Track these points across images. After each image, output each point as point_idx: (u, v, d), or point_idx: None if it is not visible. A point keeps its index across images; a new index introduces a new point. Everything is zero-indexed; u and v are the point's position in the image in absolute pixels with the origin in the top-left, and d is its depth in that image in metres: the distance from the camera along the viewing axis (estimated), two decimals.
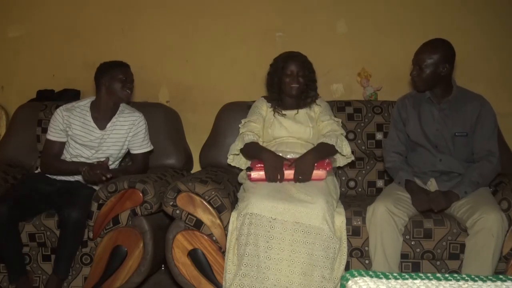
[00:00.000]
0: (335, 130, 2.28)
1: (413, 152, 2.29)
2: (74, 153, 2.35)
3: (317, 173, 2.11)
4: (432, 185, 2.21)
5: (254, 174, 2.10)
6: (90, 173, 2.19)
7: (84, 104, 2.39)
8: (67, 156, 2.38)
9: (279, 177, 2.08)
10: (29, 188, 2.25)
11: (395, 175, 2.24)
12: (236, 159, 2.38)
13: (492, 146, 2.17)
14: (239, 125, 2.39)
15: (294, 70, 2.29)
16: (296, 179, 2.07)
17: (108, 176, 2.18)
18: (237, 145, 2.27)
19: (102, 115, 2.36)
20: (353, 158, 2.34)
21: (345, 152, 2.27)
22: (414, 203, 2.08)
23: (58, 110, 2.38)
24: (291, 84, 2.28)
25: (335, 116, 2.45)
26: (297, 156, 2.19)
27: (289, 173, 2.09)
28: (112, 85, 2.33)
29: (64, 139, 2.37)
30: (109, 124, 2.37)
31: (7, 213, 2.07)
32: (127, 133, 2.40)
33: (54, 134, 2.35)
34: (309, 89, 2.37)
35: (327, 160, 2.17)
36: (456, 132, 2.18)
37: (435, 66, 2.13)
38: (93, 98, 2.41)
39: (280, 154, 2.20)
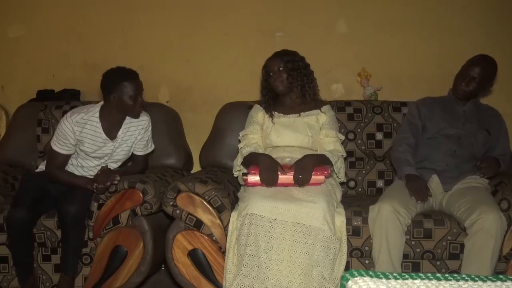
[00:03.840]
0: (338, 151, 2.24)
1: (429, 144, 2.33)
2: (84, 164, 2.31)
3: (316, 177, 2.06)
4: (434, 182, 2.23)
5: (251, 179, 2.06)
6: (100, 188, 2.14)
7: (93, 114, 2.24)
8: (73, 163, 2.33)
9: (273, 180, 2.03)
10: (39, 190, 2.23)
11: (398, 167, 2.26)
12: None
13: (507, 151, 2.33)
14: (239, 138, 2.37)
15: (274, 68, 2.27)
16: (296, 178, 2.03)
17: (118, 179, 2.14)
18: (238, 161, 2.27)
19: (112, 125, 2.27)
20: (344, 180, 2.34)
21: (340, 176, 2.25)
22: (412, 192, 2.11)
23: (67, 122, 2.20)
24: (274, 81, 2.27)
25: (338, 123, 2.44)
26: (295, 160, 2.18)
27: (288, 178, 2.05)
28: (122, 103, 2.19)
29: (72, 152, 2.28)
30: (120, 132, 2.29)
31: (26, 217, 2.08)
32: (135, 137, 2.35)
33: (62, 147, 2.23)
34: (303, 83, 2.29)
35: (326, 168, 2.11)
36: (482, 128, 2.28)
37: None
38: (101, 103, 2.29)
39: (280, 157, 2.19)
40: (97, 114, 2.25)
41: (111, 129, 2.27)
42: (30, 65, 3.17)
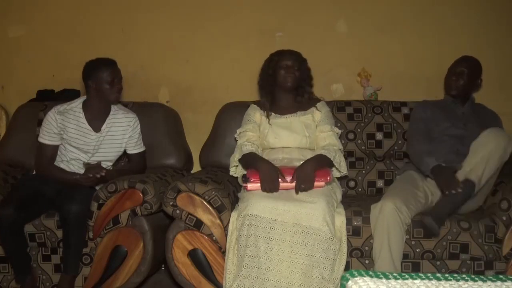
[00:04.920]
0: (333, 145, 2.24)
1: (433, 142, 2.35)
2: (72, 156, 2.33)
3: (317, 184, 2.06)
4: None
5: (250, 187, 2.06)
6: (84, 180, 2.18)
7: (76, 106, 2.32)
8: (64, 159, 2.34)
9: (275, 189, 2.01)
10: (32, 190, 2.24)
11: (420, 161, 2.24)
12: (238, 170, 2.32)
13: None
14: (235, 136, 2.36)
15: (289, 63, 2.28)
16: (298, 187, 2.01)
17: (102, 173, 2.16)
18: (236, 156, 2.26)
19: (95, 116, 2.32)
20: (347, 173, 2.33)
21: (342, 169, 2.25)
22: (442, 185, 2.10)
23: (50, 113, 2.31)
24: (286, 75, 2.27)
25: (335, 119, 2.49)
26: (294, 160, 2.18)
27: (289, 185, 2.04)
28: (100, 88, 2.26)
29: (57, 143, 2.32)
30: (104, 126, 2.33)
31: (14, 215, 2.07)
32: (123, 135, 2.38)
33: (47, 137, 2.30)
34: (305, 84, 2.35)
35: (327, 172, 2.11)
36: (482, 128, 2.28)
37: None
38: (84, 97, 2.36)
39: (278, 158, 2.20)
40: (80, 105, 2.33)
41: (94, 120, 2.32)
42: (30, 65, 3.17)
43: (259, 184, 2.04)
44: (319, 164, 2.12)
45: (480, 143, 2.09)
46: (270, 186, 2.02)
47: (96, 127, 2.32)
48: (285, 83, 2.29)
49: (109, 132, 2.34)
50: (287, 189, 2.05)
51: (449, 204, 2.06)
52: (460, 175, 2.07)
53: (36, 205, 2.21)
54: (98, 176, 2.17)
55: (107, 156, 2.37)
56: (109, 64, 2.28)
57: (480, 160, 2.05)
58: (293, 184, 2.03)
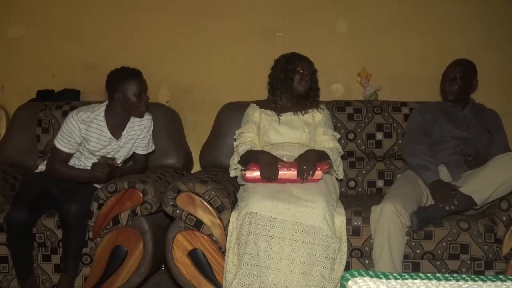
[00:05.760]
0: (337, 148, 2.30)
1: (436, 144, 2.35)
2: (88, 163, 2.31)
3: (316, 173, 2.06)
4: (442, 172, 2.24)
5: (249, 174, 2.06)
6: (97, 171, 2.18)
7: (99, 113, 2.26)
8: (77, 163, 2.33)
9: (274, 175, 2.03)
10: (40, 190, 2.23)
11: (420, 172, 2.22)
12: (238, 172, 2.32)
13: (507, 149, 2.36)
14: (234, 137, 2.38)
15: (306, 70, 2.33)
16: (301, 169, 2.02)
17: (118, 163, 2.17)
18: (234, 159, 2.27)
19: (117, 124, 2.29)
20: (342, 177, 2.36)
21: (339, 173, 2.30)
22: (437, 199, 2.07)
23: (73, 120, 2.21)
24: (301, 81, 2.32)
25: (336, 119, 2.54)
26: (294, 157, 2.19)
27: (290, 173, 2.05)
28: (127, 100, 2.22)
29: (74, 151, 2.28)
30: (124, 132, 2.31)
31: (26, 218, 2.08)
32: (138, 136, 2.37)
33: (67, 145, 2.23)
34: (313, 94, 2.40)
35: (327, 164, 2.13)
36: (484, 130, 2.33)
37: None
38: (106, 103, 2.31)
39: (278, 155, 2.20)
40: (103, 113, 2.27)
41: (116, 128, 2.29)
42: (30, 65, 3.17)
43: (257, 173, 2.05)
44: (320, 156, 2.16)
45: (500, 164, 2.02)
46: (269, 172, 2.03)
47: (117, 135, 2.30)
48: (298, 89, 2.33)
49: (128, 137, 2.34)
50: (286, 179, 2.04)
51: (440, 211, 2.06)
52: (465, 190, 2.04)
53: (43, 205, 2.22)
54: (117, 163, 2.17)
55: (120, 156, 2.37)
56: (136, 75, 2.24)
57: (491, 182, 2.00)
58: (294, 172, 2.04)
